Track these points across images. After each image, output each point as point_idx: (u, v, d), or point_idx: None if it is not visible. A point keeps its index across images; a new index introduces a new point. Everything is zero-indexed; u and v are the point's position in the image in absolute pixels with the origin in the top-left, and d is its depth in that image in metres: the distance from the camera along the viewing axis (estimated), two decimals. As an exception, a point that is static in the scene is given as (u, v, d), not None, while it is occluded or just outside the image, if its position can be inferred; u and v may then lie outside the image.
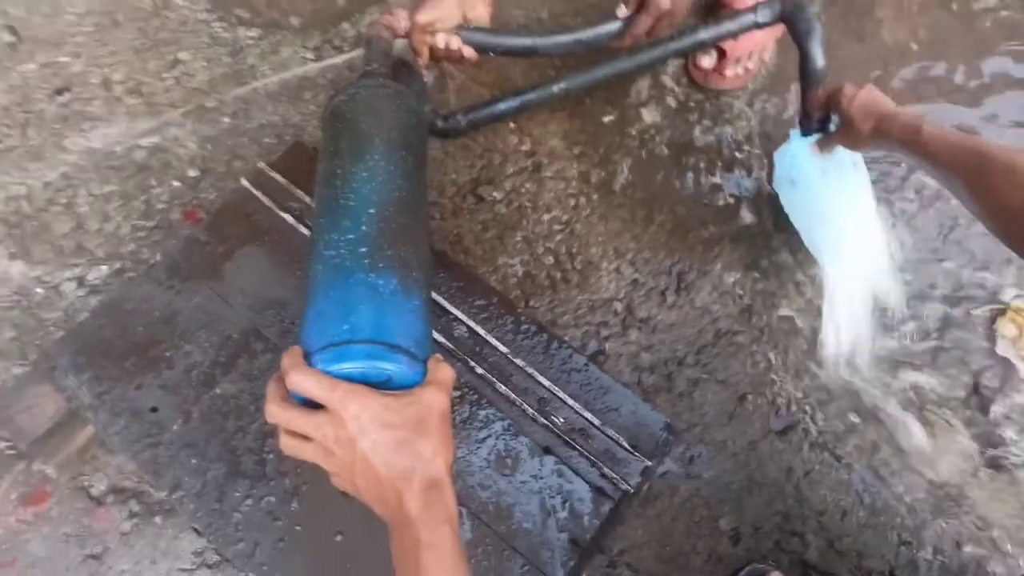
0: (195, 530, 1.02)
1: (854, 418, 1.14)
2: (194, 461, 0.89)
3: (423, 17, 1.05)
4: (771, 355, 1.18)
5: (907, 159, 0.99)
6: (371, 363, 0.65)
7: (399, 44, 1.09)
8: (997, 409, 1.17)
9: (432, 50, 1.09)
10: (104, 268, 1.17)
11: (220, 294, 0.98)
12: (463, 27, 1.08)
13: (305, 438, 0.64)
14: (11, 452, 1.06)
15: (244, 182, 1.06)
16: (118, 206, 1.21)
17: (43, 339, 1.12)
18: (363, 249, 0.74)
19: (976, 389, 1.18)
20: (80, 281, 1.16)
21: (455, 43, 1.09)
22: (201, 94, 1.33)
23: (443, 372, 0.68)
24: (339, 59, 1.37)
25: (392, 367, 0.66)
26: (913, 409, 1.16)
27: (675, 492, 1.07)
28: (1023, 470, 1.13)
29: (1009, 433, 1.15)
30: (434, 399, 0.65)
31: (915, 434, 1.14)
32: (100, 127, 1.28)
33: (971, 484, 1.11)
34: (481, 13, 1.10)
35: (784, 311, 1.22)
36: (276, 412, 0.64)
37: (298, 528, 0.86)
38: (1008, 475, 1.12)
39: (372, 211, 0.77)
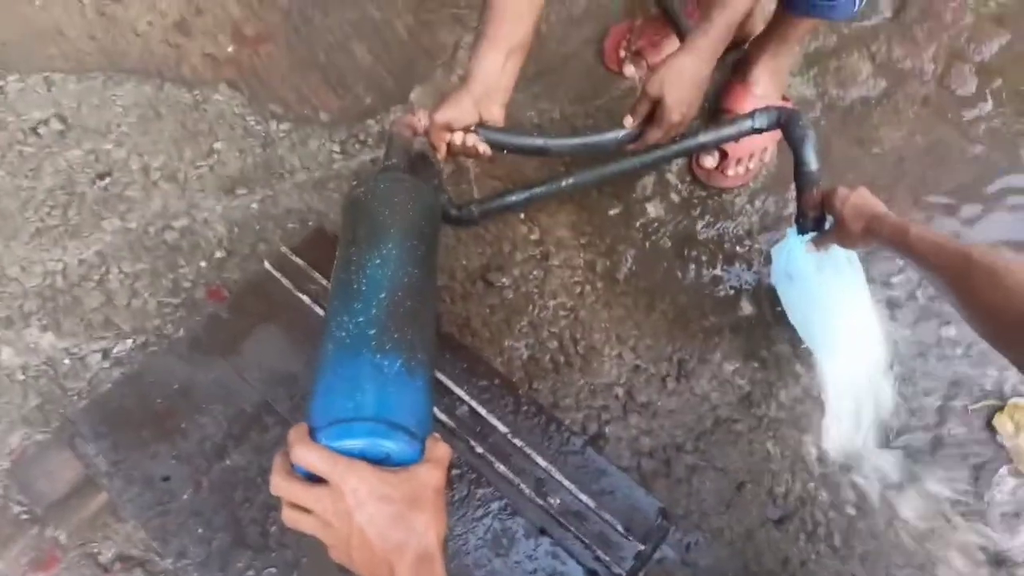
0: (197, 601, 1.04)
1: (851, 510, 1.15)
2: (200, 530, 0.92)
3: (441, 116, 1.12)
4: (769, 444, 1.20)
5: (897, 257, 1.04)
6: (372, 440, 0.69)
7: (419, 140, 1.17)
8: (997, 505, 1.17)
9: (450, 146, 1.16)
10: (129, 342, 1.23)
11: (237, 369, 1.03)
12: (479, 126, 1.15)
13: (306, 511, 0.68)
14: (26, 517, 1.10)
15: (266, 264, 1.12)
16: (147, 283, 1.29)
17: (66, 407, 1.17)
18: (371, 331, 0.78)
19: (975, 485, 1.19)
20: (105, 353, 1.22)
21: (471, 141, 1.16)
22: (232, 181, 1.42)
23: (440, 451, 0.72)
24: (366, 156, 1.47)
25: (392, 445, 0.70)
26: (913, 504, 1.16)
27: (671, 579, 1.08)
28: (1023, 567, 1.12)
29: (1009, 529, 1.15)
30: (430, 476, 0.69)
31: (915, 529, 1.14)
32: (136, 209, 1.37)
33: (972, 581, 1.10)
34: (496, 114, 1.17)
35: (783, 401, 1.25)
36: (280, 484, 0.68)
37: (297, 600, 0.88)
38: (1008, 572, 1.12)
39: (382, 296, 0.82)
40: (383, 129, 1.52)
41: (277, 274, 1.11)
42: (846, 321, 1.24)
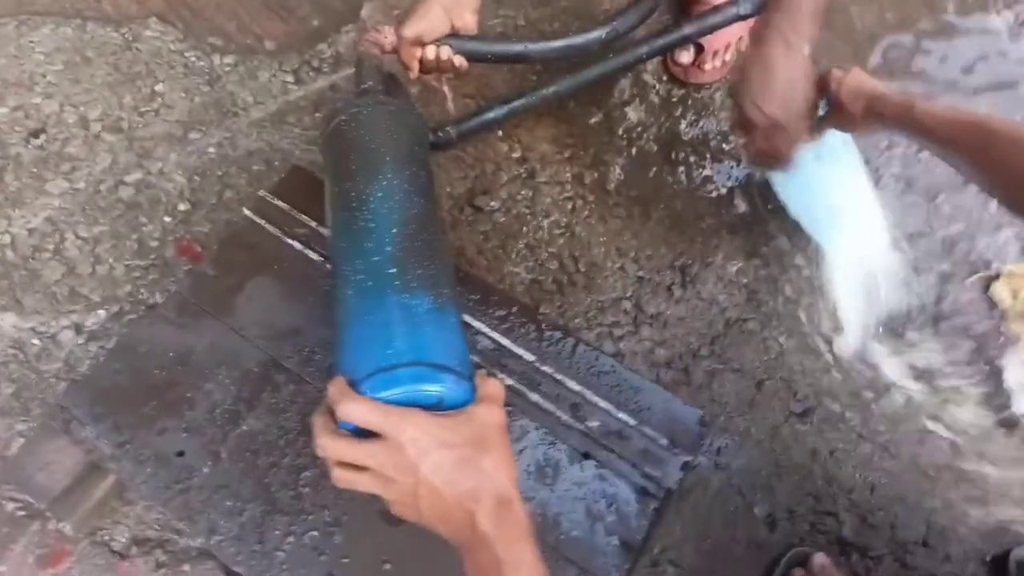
0: (227, 573, 0.99)
1: (868, 394, 1.16)
2: (228, 503, 0.86)
3: (411, 30, 1.03)
4: (781, 339, 1.20)
5: (902, 136, 1.01)
6: (419, 386, 0.64)
7: (387, 59, 1.08)
8: (1001, 371, 1.20)
9: (422, 62, 1.07)
10: (102, 313, 1.12)
11: (234, 328, 0.95)
12: (453, 37, 1.07)
13: (359, 469, 0.63)
14: (22, 513, 1.02)
15: (246, 211, 1.03)
16: (109, 247, 1.17)
17: (45, 392, 1.07)
18: (392, 271, 0.73)
19: (979, 354, 1.21)
20: (78, 328, 1.11)
21: (445, 53, 1.08)
22: (183, 125, 1.29)
23: (493, 387, 0.68)
24: (324, 82, 1.36)
25: (441, 388, 0.65)
26: (924, 380, 1.18)
27: (707, 485, 1.08)
28: (1034, 427, 1.16)
29: (1016, 392, 1.18)
30: (489, 415, 0.64)
31: (928, 403, 1.16)
32: (82, 167, 1.23)
33: (988, 446, 1.13)
34: (469, 22, 1.08)
35: (789, 294, 1.23)
36: (329, 445, 0.63)
37: (345, 561, 0.84)
38: (1021, 433, 1.15)
39: (395, 231, 0.76)
40: (337, 52, 1.40)
41: (259, 221, 1.02)
42: (846, 207, 1.22)
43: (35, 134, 1.26)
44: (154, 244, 1.18)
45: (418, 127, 0.93)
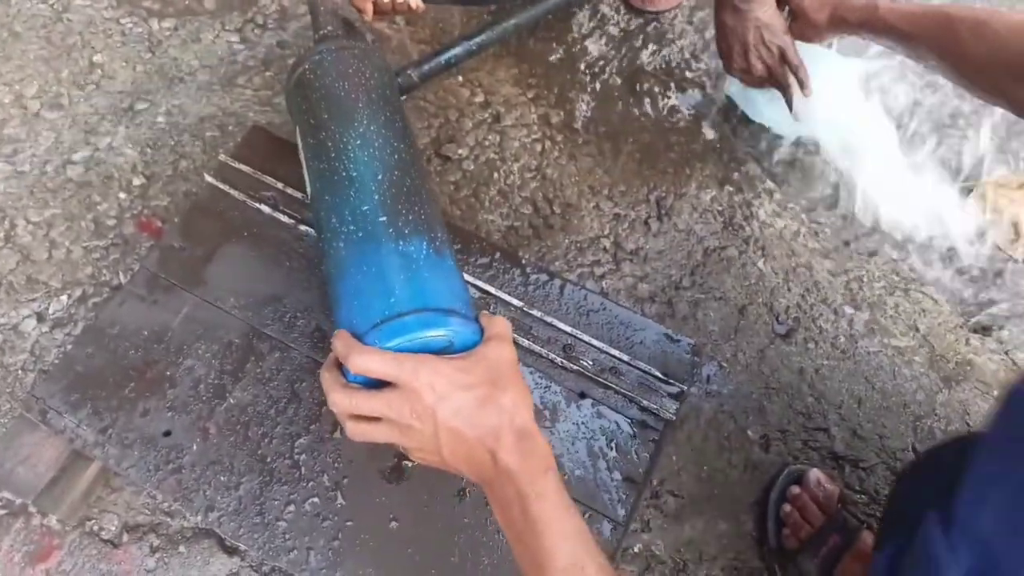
0: (225, 550, 0.97)
1: (849, 309, 1.17)
2: (223, 478, 0.84)
3: (362, -30, 0.99)
4: (760, 263, 1.20)
5: (869, 39, 1.02)
6: (428, 332, 0.64)
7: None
8: (974, 279, 1.22)
9: (376, 5, 1.03)
10: (64, 298, 1.07)
11: (209, 300, 0.92)
12: (408, -24, 1.02)
13: (374, 421, 0.62)
14: (3, 512, 0.98)
15: (208, 178, 0.98)
16: (63, 230, 1.11)
17: (13, 386, 1.03)
18: (383, 218, 0.71)
19: (952, 262, 1.23)
20: (40, 316, 1.06)
21: None
22: (127, 96, 1.23)
23: (500, 325, 0.67)
24: (271, 39, 1.29)
25: (449, 331, 0.65)
26: (899, 292, 1.19)
27: (700, 413, 1.08)
28: (1006, 330, 1.18)
29: (988, 298, 1.20)
30: (501, 352, 0.64)
31: (905, 313, 1.18)
32: (24, 149, 1.16)
33: (965, 351, 1.16)
34: (423, -41, 1.04)
35: (763, 219, 1.23)
36: (341, 399, 0.62)
37: (349, 524, 0.82)
38: (994, 335, 1.18)
39: (379, 177, 0.74)
40: (282, 6, 1.34)
41: (223, 186, 0.98)
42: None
43: (-32, 117, 1.19)
44: (111, 223, 1.13)
45: (386, 68, 0.90)
